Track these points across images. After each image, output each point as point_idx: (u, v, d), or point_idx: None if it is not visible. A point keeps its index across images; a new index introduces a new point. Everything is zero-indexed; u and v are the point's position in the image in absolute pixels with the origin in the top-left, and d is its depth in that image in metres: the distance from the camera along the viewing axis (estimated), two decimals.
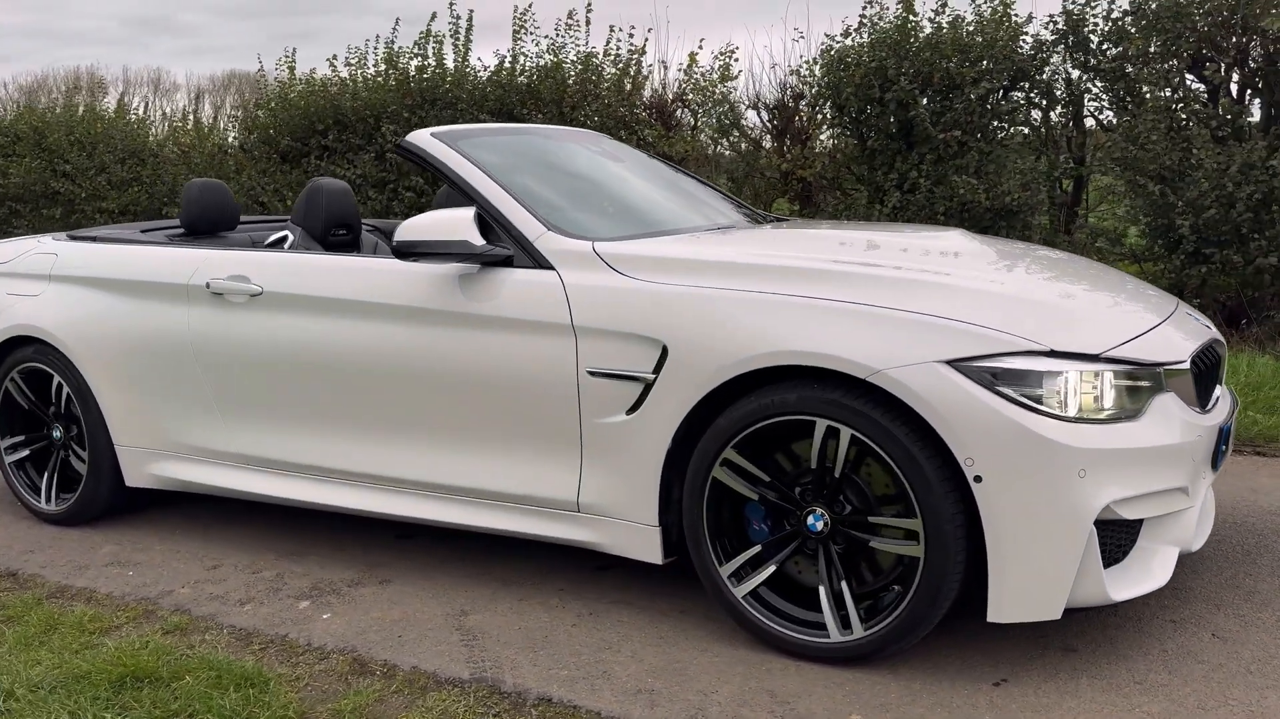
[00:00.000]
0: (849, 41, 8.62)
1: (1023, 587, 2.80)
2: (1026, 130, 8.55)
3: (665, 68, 9.49)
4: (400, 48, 10.32)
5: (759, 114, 9.26)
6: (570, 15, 9.56)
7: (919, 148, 8.35)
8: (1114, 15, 8.07)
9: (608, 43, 9.38)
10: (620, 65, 9.30)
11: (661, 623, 3.41)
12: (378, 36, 10.42)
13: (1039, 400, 2.78)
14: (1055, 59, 8.37)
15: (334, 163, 10.36)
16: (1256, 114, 7.98)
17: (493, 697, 2.99)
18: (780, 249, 3.59)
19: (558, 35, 9.58)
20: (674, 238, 3.70)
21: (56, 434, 4.60)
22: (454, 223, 3.48)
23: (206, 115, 12.28)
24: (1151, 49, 7.85)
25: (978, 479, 2.77)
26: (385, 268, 3.75)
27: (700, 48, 9.33)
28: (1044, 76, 8.41)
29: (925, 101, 8.20)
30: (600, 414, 3.31)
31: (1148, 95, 7.94)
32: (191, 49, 63.93)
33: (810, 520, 3.07)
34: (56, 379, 4.48)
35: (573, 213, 3.75)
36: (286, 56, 10.93)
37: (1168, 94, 7.92)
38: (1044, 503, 2.75)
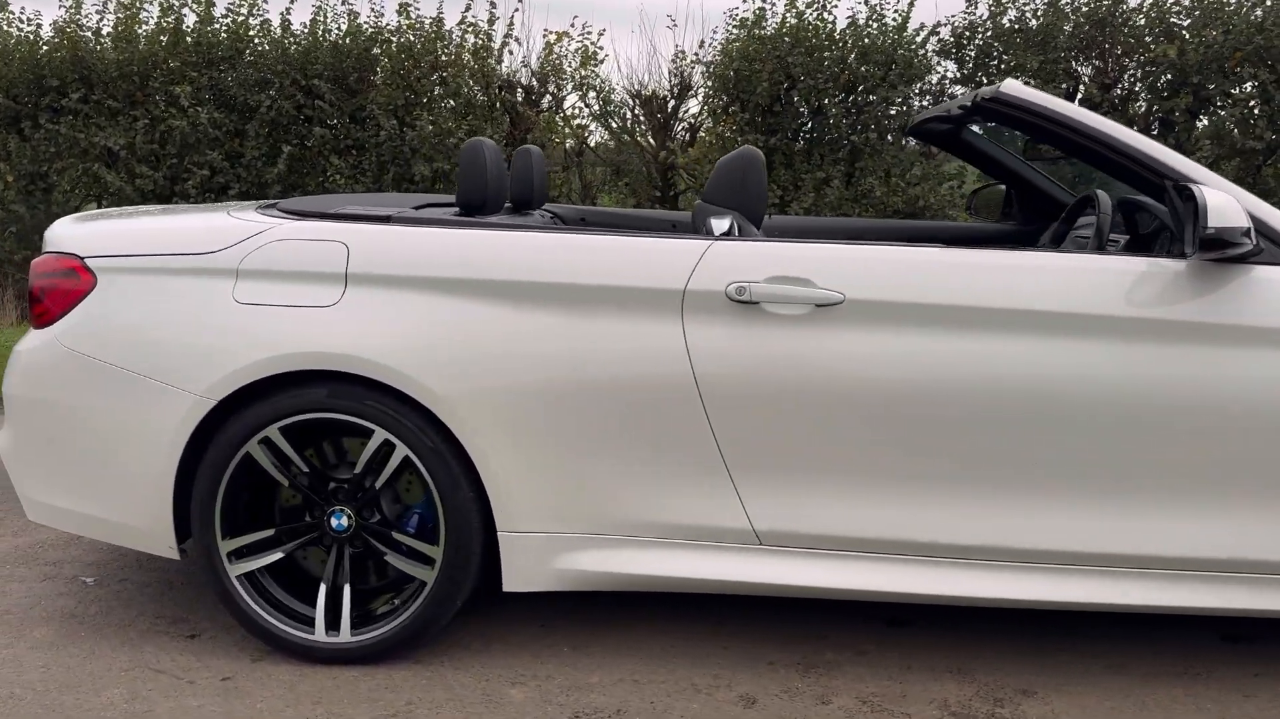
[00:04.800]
0: (741, 32, 8.11)
1: None
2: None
3: (520, 44, 8.28)
4: None
5: (636, 105, 8.39)
6: None
7: (819, 148, 8.06)
8: (1001, 30, 8.32)
9: (466, 9, 8.04)
10: (481, 34, 8.01)
11: None
12: None
13: None
14: (940, 70, 8.50)
15: (78, 129, 7.95)
16: None
17: None
18: None
19: None
20: None
21: (341, 523, 2.90)
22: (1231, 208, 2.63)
23: None
24: (1027, 66, 8.21)
25: None
26: (1070, 265, 2.75)
27: (573, 24, 8.23)
28: (931, 84, 8.48)
29: (840, 100, 7.94)
30: None
31: None
32: None
33: None
34: (380, 437, 2.80)
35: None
36: None
37: None
38: None
